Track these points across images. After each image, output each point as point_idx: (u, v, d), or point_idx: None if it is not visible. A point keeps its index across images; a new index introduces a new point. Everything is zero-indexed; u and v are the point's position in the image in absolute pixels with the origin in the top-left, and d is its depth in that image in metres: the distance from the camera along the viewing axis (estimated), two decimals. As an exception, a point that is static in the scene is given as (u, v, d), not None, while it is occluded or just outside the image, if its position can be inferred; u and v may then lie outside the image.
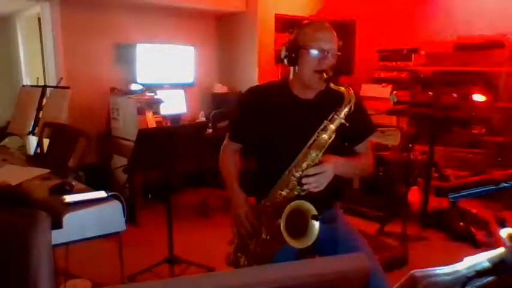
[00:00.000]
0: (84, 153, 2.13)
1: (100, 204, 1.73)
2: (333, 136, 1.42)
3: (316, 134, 1.42)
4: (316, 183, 1.40)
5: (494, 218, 3.39)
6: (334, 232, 1.58)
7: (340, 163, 1.48)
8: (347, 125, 1.40)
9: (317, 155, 1.42)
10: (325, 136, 1.41)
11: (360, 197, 3.76)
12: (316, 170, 1.40)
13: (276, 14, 4.68)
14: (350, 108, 1.40)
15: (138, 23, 4.33)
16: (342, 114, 1.40)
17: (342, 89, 1.42)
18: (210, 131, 3.63)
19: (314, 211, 1.34)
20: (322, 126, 1.42)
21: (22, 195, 1.86)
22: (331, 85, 1.43)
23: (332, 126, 1.41)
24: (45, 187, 1.89)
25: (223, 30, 5.05)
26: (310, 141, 1.43)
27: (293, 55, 1.51)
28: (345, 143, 1.63)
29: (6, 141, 2.78)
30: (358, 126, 1.56)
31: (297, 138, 1.47)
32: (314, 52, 1.48)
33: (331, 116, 1.41)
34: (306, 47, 1.49)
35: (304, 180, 1.41)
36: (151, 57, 4.28)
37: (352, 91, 1.42)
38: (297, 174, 1.43)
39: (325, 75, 1.45)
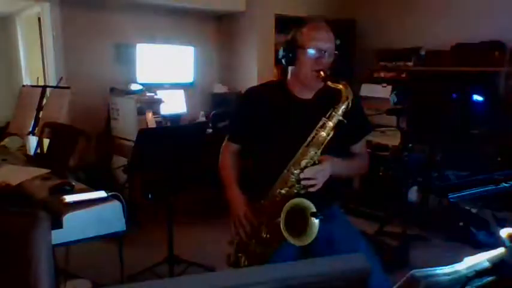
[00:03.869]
0: (84, 153, 2.12)
1: (100, 204, 1.72)
2: (331, 133, 1.41)
3: (315, 131, 1.42)
4: (314, 182, 1.40)
5: (494, 218, 3.39)
6: (331, 231, 1.57)
7: (336, 163, 1.49)
8: (345, 122, 1.40)
9: (316, 153, 1.42)
10: (323, 133, 1.41)
11: (360, 197, 3.76)
12: (314, 170, 1.41)
13: (276, 14, 4.68)
14: (348, 105, 1.40)
15: (138, 23, 4.33)
16: (340, 111, 1.40)
17: (340, 86, 1.42)
18: (210, 131, 3.64)
19: (313, 208, 1.35)
20: (320, 124, 1.42)
21: (22, 195, 1.86)
22: (329, 83, 1.44)
23: (330, 123, 1.41)
24: (45, 187, 1.88)
25: (223, 30, 5.04)
26: (309, 139, 1.43)
27: (291, 55, 1.52)
28: (342, 145, 1.63)
29: (6, 141, 2.77)
30: (355, 125, 1.56)
31: (295, 137, 1.47)
32: (311, 52, 1.49)
33: (329, 113, 1.41)
34: (304, 46, 1.49)
35: (302, 182, 1.42)
36: (151, 57, 4.27)
37: (349, 88, 1.42)
38: (296, 172, 1.43)
39: (322, 74, 1.45)
